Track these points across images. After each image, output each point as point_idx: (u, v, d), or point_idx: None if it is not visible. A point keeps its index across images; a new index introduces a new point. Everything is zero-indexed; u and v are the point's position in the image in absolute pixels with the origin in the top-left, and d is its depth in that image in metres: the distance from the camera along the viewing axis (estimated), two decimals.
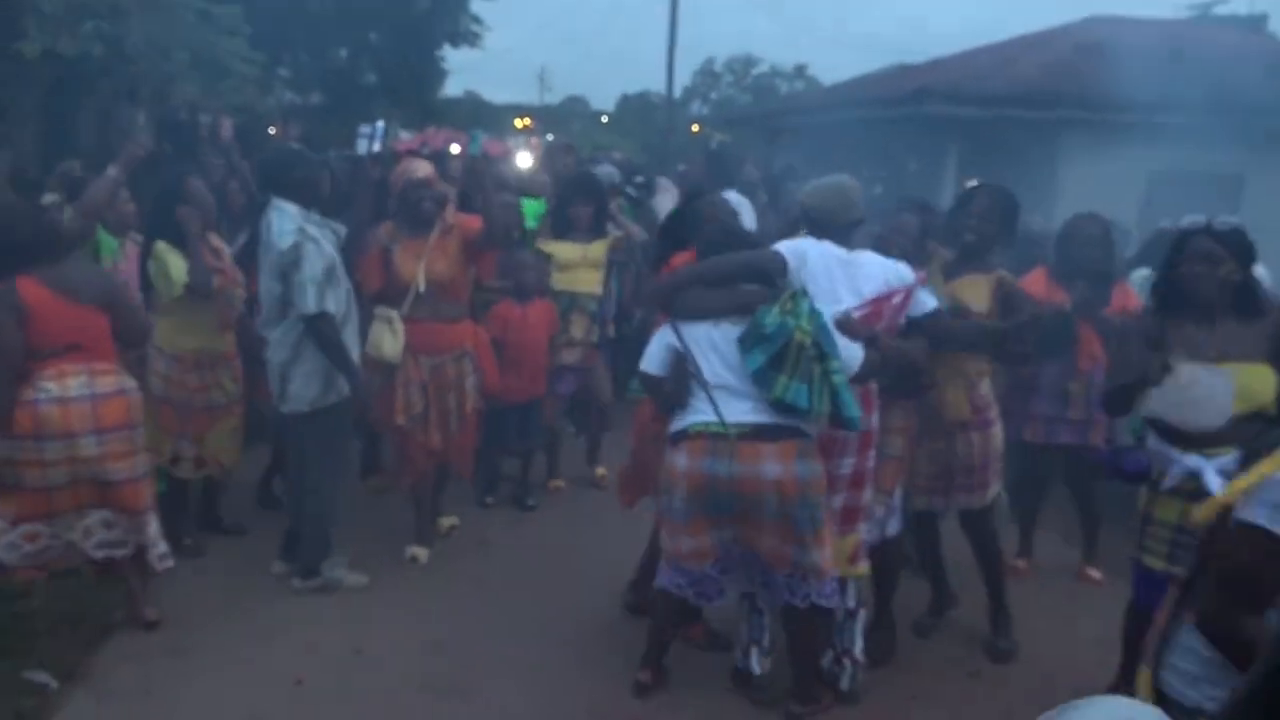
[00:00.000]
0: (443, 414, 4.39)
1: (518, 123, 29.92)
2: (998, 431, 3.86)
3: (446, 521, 4.78)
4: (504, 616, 4.02)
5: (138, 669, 3.51)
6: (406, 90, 19.54)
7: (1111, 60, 10.79)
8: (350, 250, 4.24)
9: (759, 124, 18.91)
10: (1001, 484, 4.00)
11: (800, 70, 42.75)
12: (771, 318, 3.03)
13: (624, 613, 4.01)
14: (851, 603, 3.50)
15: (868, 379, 3.28)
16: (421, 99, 20.50)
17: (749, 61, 44.91)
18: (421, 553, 4.50)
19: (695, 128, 27.85)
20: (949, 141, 11.08)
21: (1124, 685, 2.86)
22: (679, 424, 3.21)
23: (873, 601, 3.77)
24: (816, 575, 3.16)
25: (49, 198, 5.11)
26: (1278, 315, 3.06)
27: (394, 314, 4.24)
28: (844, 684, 3.49)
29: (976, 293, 3.68)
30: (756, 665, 3.51)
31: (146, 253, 4.17)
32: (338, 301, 3.95)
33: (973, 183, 4.58)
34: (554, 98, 47.60)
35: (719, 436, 3.11)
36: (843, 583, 3.41)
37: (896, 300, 3.30)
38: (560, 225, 5.40)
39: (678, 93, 30.17)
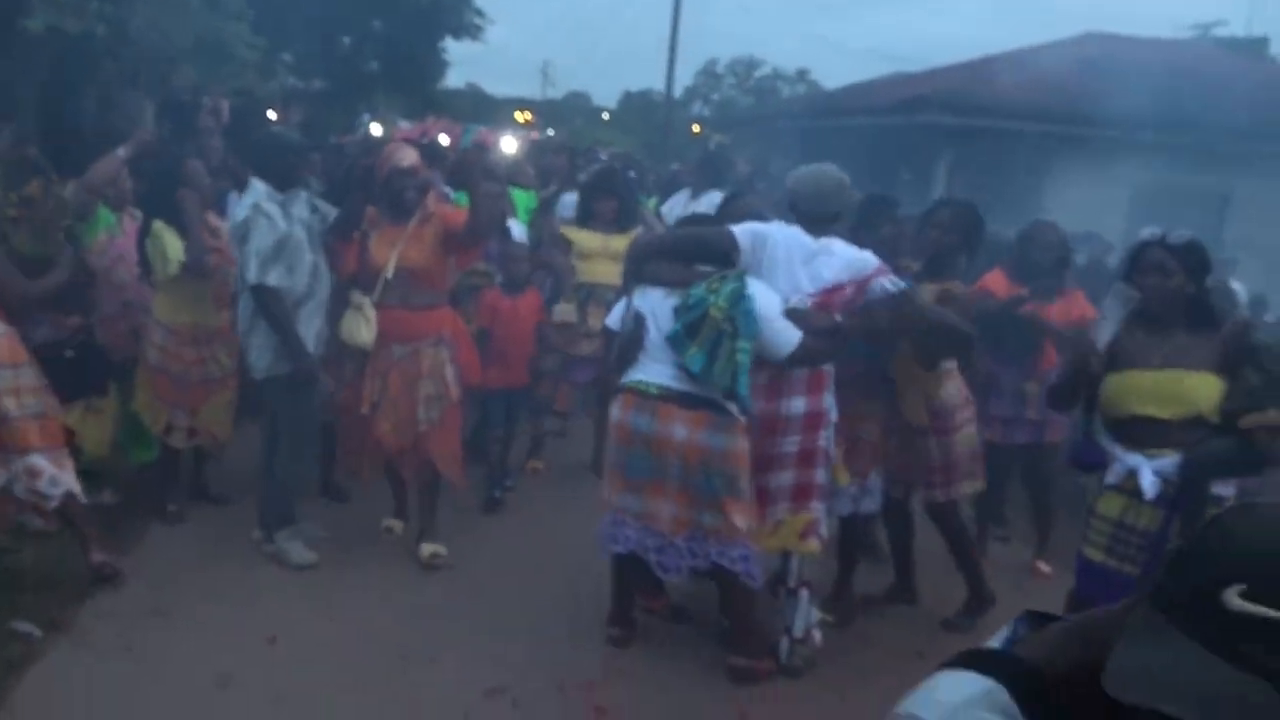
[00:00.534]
0: (405, 405, 4.26)
1: (518, 116, 30.03)
2: (964, 436, 3.98)
3: (429, 549, 4.36)
4: (481, 590, 4.16)
5: (118, 625, 3.64)
6: (408, 80, 19.64)
7: (1101, 77, 10.96)
8: (335, 234, 4.37)
9: (759, 126, 19.08)
10: (979, 482, 4.11)
11: (802, 74, 42.93)
12: (698, 291, 3.32)
13: (598, 599, 4.12)
14: (792, 581, 3.65)
15: (814, 363, 3.46)
16: (423, 89, 20.59)
17: (751, 64, 45.08)
18: (397, 524, 4.60)
19: (696, 128, 27.97)
20: (940, 151, 11.24)
21: None
22: (622, 380, 3.54)
23: (836, 572, 4.02)
24: (716, 536, 3.39)
25: None
26: (1231, 328, 3.14)
27: (365, 300, 4.21)
28: (783, 658, 3.64)
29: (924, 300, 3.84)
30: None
31: (145, 230, 4.31)
32: (288, 277, 4.07)
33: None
34: (556, 92, 47.75)
35: (644, 394, 3.42)
36: (787, 560, 3.63)
37: (849, 291, 3.44)
38: (585, 216, 5.56)
39: (680, 92, 30.32)
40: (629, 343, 3.51)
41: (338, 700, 3.29)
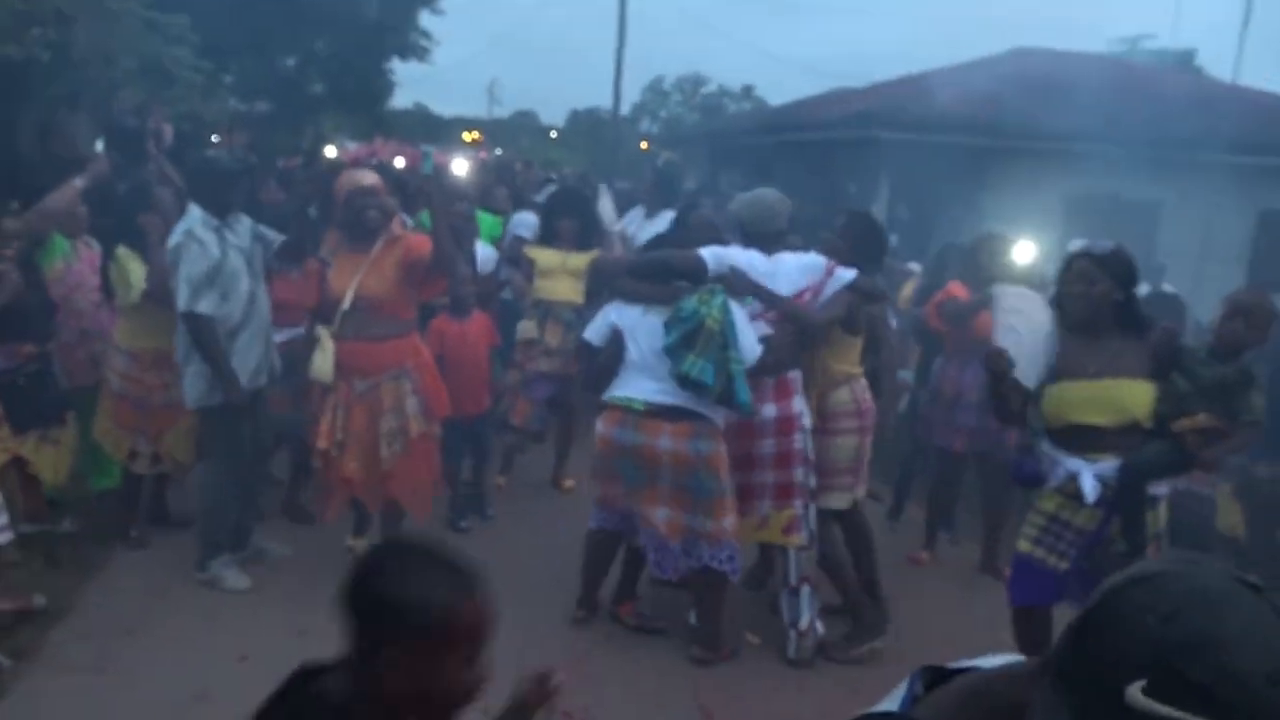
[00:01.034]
0: (369, 441, 4.14)
1: (466, 136, 30.03)
2: (842, 444, 3.94)
3: None
4: None
5: (90, 647, 3.67)
6: (354, 101, 19.59)
7: (1035, 91, 11.35)
8: (281, 259, 4.40)
9: (706, 143, 19.33)
10: (852, 495, 4.06)
11: (748, 91, 43.44)
12: (689, 304, 3.49)
13: (562, 604, 4.21)
14: (794, 579, 3.85)
15: (776, 370, 3.67)
16: (370, 110, 20.55)
17: (698, 80, 45.55)
18: (359, 544, 4.48)
19: (644, 145, 28.23)
20: (883, 165, 11.54)
21: None
22: (607, 395, 3.72)
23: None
24: (709, 540, 3.59)
25: None
26: (1159, 336, 3.24)
27: (324, 332, 4.12)
28: (790, 653, 3.85)
29: None
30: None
31: (108, 255, 4.34)
32: (222, 305, 4.06)
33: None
34: (503, 112, 47.80)
35: (629, 410, 3.61)
36: (785, 559, 3.86)
37: (807, 296, 3.70)
38: (547, 235, 5.65)
39: (627, 109, 30.56)
40: (610, 358, 3.71)
41: None
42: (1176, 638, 0.76)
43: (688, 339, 3.44)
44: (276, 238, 4.31)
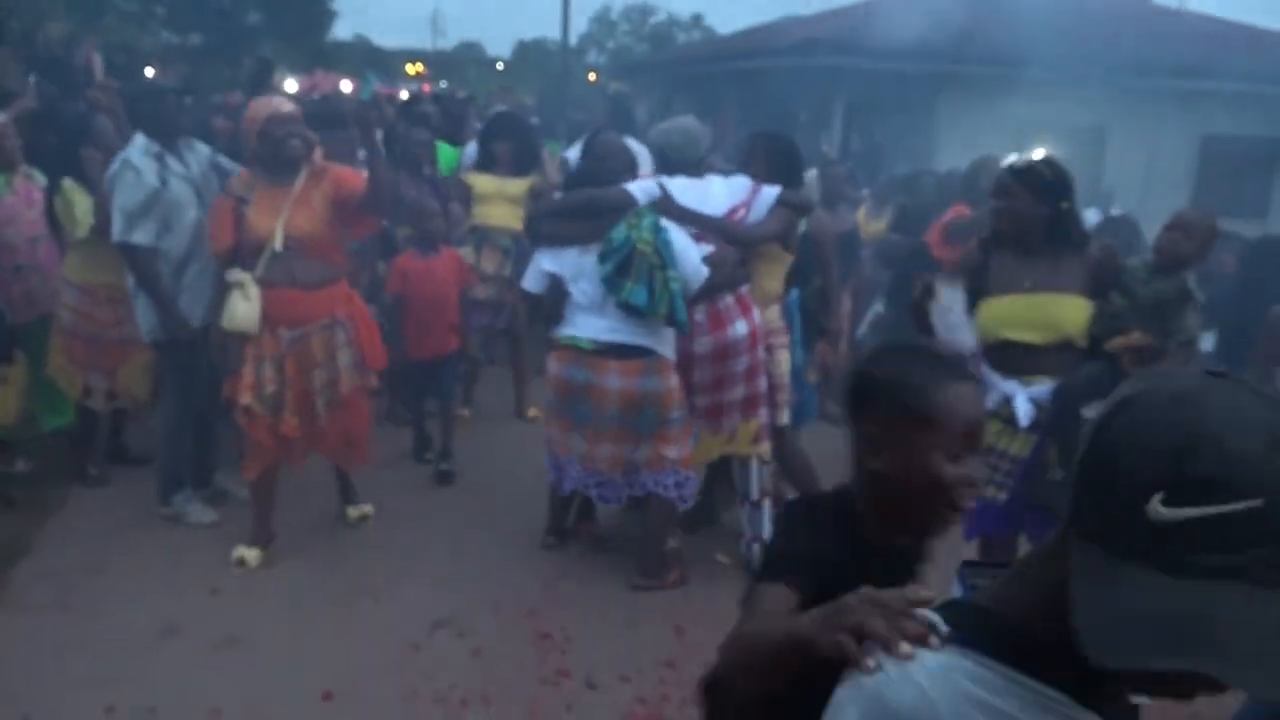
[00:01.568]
0: (304, 395, 3.79)
1: (409, 68, 29.29)
2: (782, 359, 3.98)
3: (355, 512, 4.26)
4: (418, 529, 4.26)
5: (53, 585, 3.64)
6: (292, 32, 18.98)
7: (984, 18, 11.33)
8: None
9: (655, 73, 19.06)
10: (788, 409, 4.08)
11: (697, 20, 42.87)
12: (619, 232, 3.48)
13: (532, 533, 4.25)
14: (755, 494, 3.95)
15: (729, 287, 3.69)
16: (309, 42, 19.93)
17: (645, 10, 44.81)
18: (250, 555, 3.85)
19: (592, 76, 27.73)
20: (835, 93, 11.49)
21: None
22: (555, 334, 3.74)
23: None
24: (649, 466, 3.68)
25: None
26: (1100, 251, 3.15)
27: (246, 277, 3.66)
28: (754, 565, 3.89)
29: None
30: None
31: (53, 189, 4.19)
32: (166, 237, 3.95)
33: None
34: (447, 43, 46.66)
35: (578, 349, 3.63)
36: (746, 474, 3.93)
37: (741, 213, 3.74)
38: (485, 161, 5.59)
39: (574, 41, 29.97)
40: (554, 302, 3.70)
41: (289, 642, 3.36)
42: (1171, 445, 0.78)
43: (622, 267, 3.44)
44: (234, 168, 4.15)
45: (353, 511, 4.27)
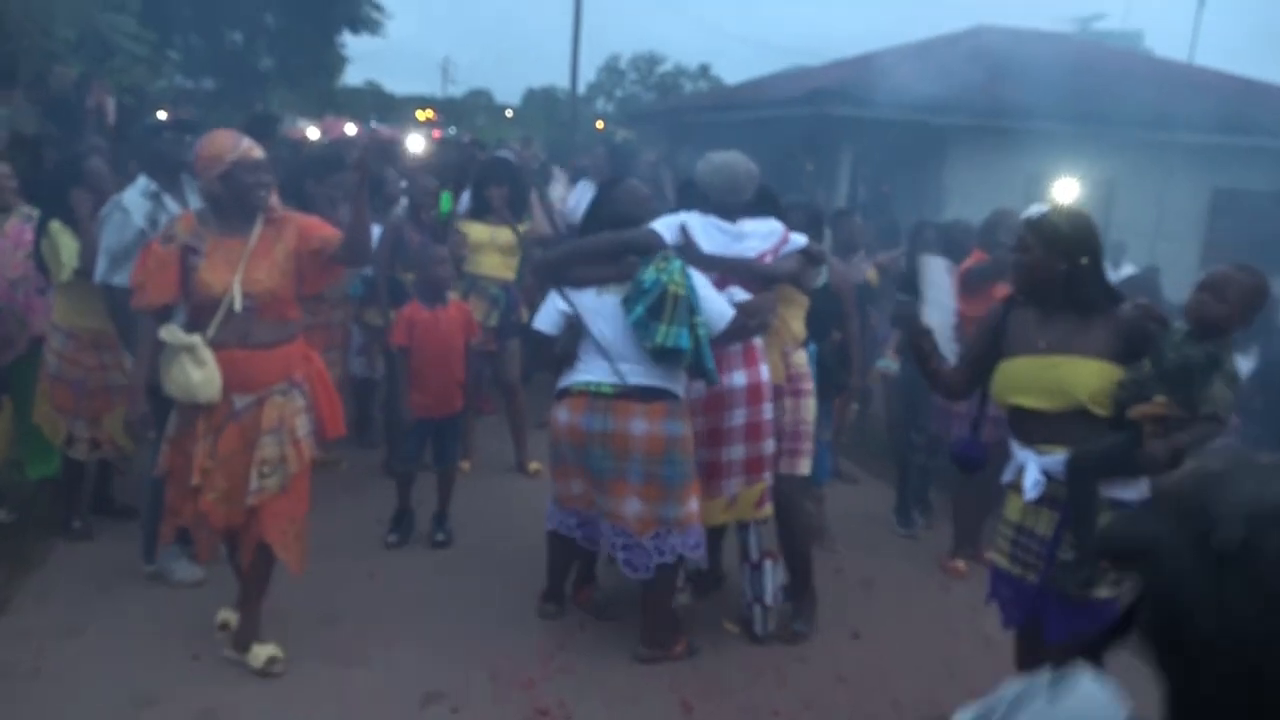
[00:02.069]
0: (237, 469, 3.26)
1: (420, 114, 29.50)
2: (809, 404, 3.91)
3: (262, 653, 3.45)
4: (407, 591, 4.08)
5: (28, 648, 3.46)
6: (304, 77, 19.12)
7: (994, 70, 11.34)
8: None
9: (663, 121, 19.14)
10: (810, 459, 3.96)
11: (704, 70, 43.22)
12: (648, 274, 3.34)
13: (531, 595, 4.05)
14: (755, 555, 3.81)
15: (746, 335, 3.57)
16: (320, 86, 20.06)
17: (653, 59, 45.16)
18: (234, 619, 3.51)
19: (599, 124, 27.91)
20: (842, 143, 11.47)
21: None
22: (564, 381, 3.54)
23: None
24: (679, 527, 3.45)
25: None
26: (1129, 312, 2.80)
27: (196, 340, 3.17)
28: (758, 629, 3.82)
29: None
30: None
31: (41, 230, 4.09)
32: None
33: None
34: (457, 90, 47.10)
35: (597, 395, 3.43)
36: (745, 535, 3.83)
37: (768, 260, 3.65)
38: (479, 208, 5.55)
39: (583, 89, 30.23)
40: (568, 344, 3.54)
41: (272, 714, 3.17)
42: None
43: (654, 310, 3.31)
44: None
45: (258, 653, 3.45)
